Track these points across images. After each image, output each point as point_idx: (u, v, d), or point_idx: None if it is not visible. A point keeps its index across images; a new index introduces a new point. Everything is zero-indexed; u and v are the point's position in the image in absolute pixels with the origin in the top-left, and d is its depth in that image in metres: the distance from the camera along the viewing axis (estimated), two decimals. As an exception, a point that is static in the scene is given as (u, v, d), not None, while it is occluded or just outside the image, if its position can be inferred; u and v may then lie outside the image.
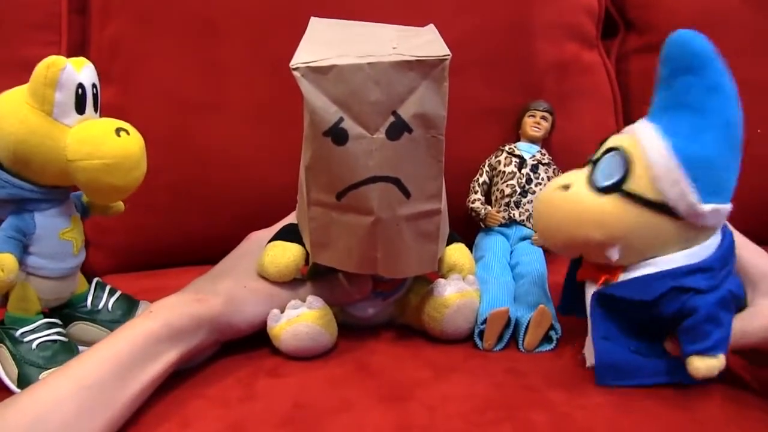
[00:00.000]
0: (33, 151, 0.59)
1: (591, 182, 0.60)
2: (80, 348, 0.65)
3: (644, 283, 0.58)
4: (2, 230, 0.61)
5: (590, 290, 0.62)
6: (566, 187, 0.61)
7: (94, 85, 0.63)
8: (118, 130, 0.61)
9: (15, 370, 0.61)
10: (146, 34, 1.00)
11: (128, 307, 0.71)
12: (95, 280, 0.71)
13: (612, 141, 0.61)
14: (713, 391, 0.59)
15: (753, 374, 0.63)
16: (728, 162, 0.57)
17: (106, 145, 0.60)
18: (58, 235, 0.64)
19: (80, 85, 0.60)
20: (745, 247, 0.63)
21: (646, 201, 0.57)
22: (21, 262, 0.61)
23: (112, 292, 0.71)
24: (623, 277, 0.60)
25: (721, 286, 0.57)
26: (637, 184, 0.57)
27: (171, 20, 0.99)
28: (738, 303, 0.59)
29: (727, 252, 0.60)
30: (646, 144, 0.57)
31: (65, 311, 0.68)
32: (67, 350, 0.63)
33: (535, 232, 0.69)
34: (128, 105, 0.97)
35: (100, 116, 0.64)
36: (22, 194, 0.61)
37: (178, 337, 0.61)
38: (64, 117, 0.60)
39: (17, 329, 0.62)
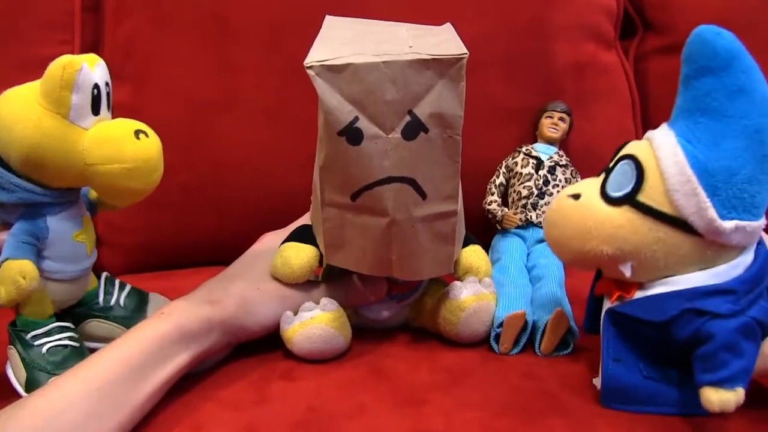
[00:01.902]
0: (49, 155, 0.58)
1: (603, 192, 0.57)
2: (94, 345, 0.65)
3: (657, 303, 0.55)
4: (14, 236, 0.60)
5: (605, 307, 0.59)
6: (577, 197, 0.58)
7: (107, 84, 0.61)
8: (137, 133, 0.59)
9: (24, 374, 0.60)
10: (160, 33, 0.99)
11: (139, 300, 0.71)
12: (104, 275, 0.70)
13: (627, 148, 0.57)
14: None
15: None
16: (755, 174, 0.52)
17: (126, 148, 0.59)
18: (71, 237, 0.63)
19: (95, 86, 0.59)
20: None
21: (660, 214, 0.53)
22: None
23: (122, 287, 0.71)
24: (639, 294, 0.56)
25: (744, 311, 0.52)
26: (649, 195, 0.54)
27: (185, 19, 0.99)
28: (765, 331, 0.54)
29: (757, 274, 0.54)
30: (661, 152, 0.54)
31: (77, 310, 0.68)
32: (77, 355, 0.62)
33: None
34: (142, 104, 0.97)
35: (112, 116, 0.63)
36: (34, 198, 0.60)
37: (189, 339, 0.61)
38: (80, 119, 0.58)
39: (29, 332, 0.61)
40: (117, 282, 0.71)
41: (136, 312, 0.70)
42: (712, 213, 0.52)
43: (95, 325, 0.68)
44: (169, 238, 1.00)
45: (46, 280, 0.62)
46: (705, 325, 0.52)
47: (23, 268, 0.58)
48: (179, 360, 0.60)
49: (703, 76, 0.52)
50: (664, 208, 0.53)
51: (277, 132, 0.98)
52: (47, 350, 0.61)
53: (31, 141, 0.57)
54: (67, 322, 0.65)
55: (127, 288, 0.71)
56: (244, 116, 0.98)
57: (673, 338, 0.54)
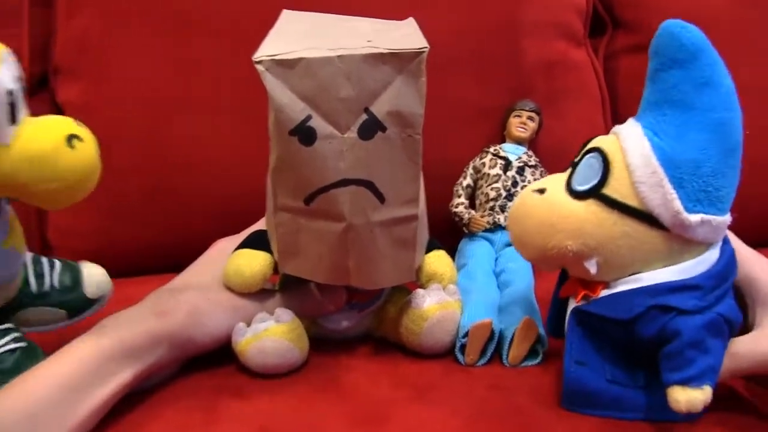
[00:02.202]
0: None
1: (569, 186, 0.57)
2: (36, 330, 0.62)
3: (623, 300, 0.54)
4: None
5: (571, 305, 0.58)
6: (542, 191, 0.58)
7: (19, 79, 0.54)
8: (70, 139, 0.53)
9: None
10: (116, 27, 0.96)
11: (73, 275, 0.66)
12: (29, 257, 0.65)
13: (593, 142, 0.57)
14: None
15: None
16: (721, 167, 0.53)
17: (62, 162, 0.52)
18: (0, 247, 0.58)
19: (9, 92, 0.51)
20: (755, 263, 0.58)
21: (626, 207, 0.53)
22: None
23: (51, 265, 0.66)
24: (604, 293, 0.56)
25: (711, 308, 0.52)
26: (615, 188, 0.54)
27: (142, 12, 0.96)
28: (732, 329, 0.54)
29: (723, 270, 0.55)
30: (627, 144, 0.54)
31: (11, 305, 0.63)
32: (29, 355, 0.58)
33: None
34: (97, 103, 0.95)
35: (60, 113, 0.57)
36: None
37: (132, 354, 0.58)
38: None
39: None
40: (45, 261, 0.66)
41: (72, 290, 0.65)
42: (678, 205, 0.52)
43: (33, 312, 0.64)
44: (123, 243, 0.97)
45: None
46: (671, 322, 0.52)
47: None
48: (121, 378, 0.56)
49: (670, 68, 0.53)
50: (630, 201, 0.53)
51: (240, 132, 0.95)
52: None
53: None
54: (3, 319, 0.61)
55: (57, 265, 0.66)
56: (206, 115, 0.96)
57: (639, 337, 0.53)
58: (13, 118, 0.52)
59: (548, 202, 0.56)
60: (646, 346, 0.54)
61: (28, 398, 0.51)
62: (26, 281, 0.64)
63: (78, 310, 0.65)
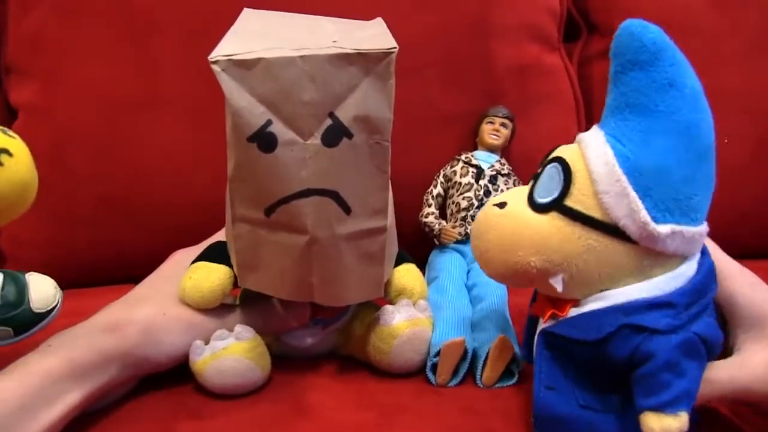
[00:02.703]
0: None
1: (530, 199, 0.54)
2: None
3: (591, 320, 0.52)
4: None
5: (539, 327, 0.56)
6: (502, 205, 0.55)
7: None
8: None
9: None
10: (72, 25, 0.94)
11: (18, 289, 0.61)
12: None
13: (555, 152, 0.55)
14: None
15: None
16: (691, 173, 0.50)
17: None
18: None
19: None
20: (736, 278, 0.56)
21: (590, 219, 0.51)
22: None
23: None
24: (573, 312, 0.53)
25: (686, 326, 0.50)
26: (578, 200, 0.51)
27: (99, 9, 0.94)
28: (711, 350, 0.52)
29: (699, 285, 0.52)
30: (589, 153, 0.52)
31: None
32: None
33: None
34: (52, 105, 0.93)
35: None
36: None
37: (82, 374, 0.55)
38: None
39: None
40: None
41: (17, 305, 0.61)
42: (645, 215, 0.49)
43: None
44: (80, 253, 0.94)
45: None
46: (643, 343, 0.49)
47: None
48: (69, 399, 0.54)
49: (630, 70, 0.51)
50: (594, 212, 0.51)
51: (202, 135, 0.93)
52: None
53: None
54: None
55: (0, 277, 0.62)
56: (166, 118, 0.94)
57: (611, 359, 0.51)
58: None
59: (510, 216, 0.54)
60: (618, 369, 0.51)
61: None
62: None
63: (24, 326, 0.61)
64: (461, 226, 0.86)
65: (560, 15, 1.09)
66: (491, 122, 0.92)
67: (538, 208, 0.53)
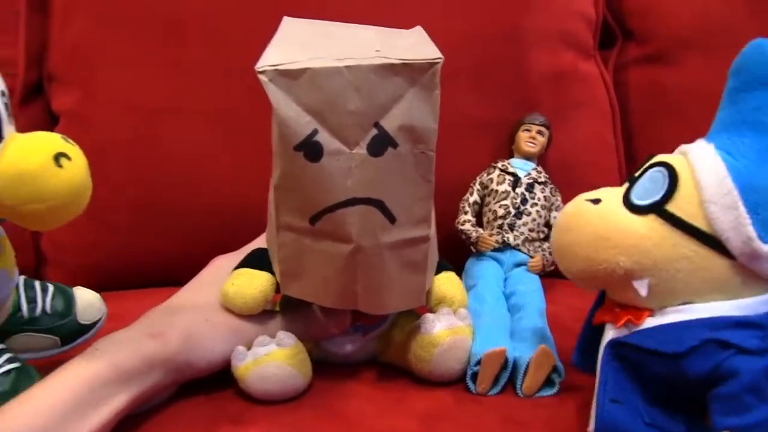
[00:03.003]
0: None
1: (626, 200, 0.53)
2: (25, 357, 0.59)
3: (673, 332, 0.50)
4: None
5: (607, 337, 0.54)
6: (596, 201, 0.54)
7: (3, 94, 0.52)
8: (57, 158, 0.50)
9: None
10: (110, 36, 0.96)
11: (66, 300, 0.64)
12: (21, 280, 0.63)
13: (657, 157, 0.54)
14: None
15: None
16: None
17: (49, 183, 0.50)
18: None
19: None
20: None
21: (691, 228, 0.50)
22: None
23: (44, 289, 0.64)
24: (650, 322, 0.52)
25: None
26: (680, 206, 0.50)
27: (136, 22, 0.96)
28: None
29: None
30: (698, 163, 0.51)
31: (1, 328, 0.61)
32: (24, 375, 0.56)
33: (549, 252, 0.61)
34: (90, 112, 0.95)
35: (15, 128, 0.54)
36: None
37: (128, 379, 0.56)
38: None
39: None
40: (37, 285, 0.64)
41: (64, 316, 0.64)
42: (751, 231, 0.48)
43: (24, 338, 0.62)
44: (118, 257, 0.96)
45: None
46: (728, 360, 0.47)
47: None
48: (116, 403, 0.54)
49: (754, 89, 0.50)
50: (697, 221, 0.50)
51: (235, 142, 0.94)
52: None
53: None
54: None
55: (50, 290, 0.64)
56: (200, 125, 0.95)
57: (688, 375, 0.49)
58: None
59: (604, 213, 0.53)
60: (691, 387, 0.50)
61: (17, 427, 0.49)
62: (17, 306, 0.62)
63: (70, 337, 0.64)
64: (498, 233, 0.86)
65: (596, 22, 1.09)
66: (528, 130, 0.92)
67: (636, 209, 0.52)
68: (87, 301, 0.66)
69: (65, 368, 0.54)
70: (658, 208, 0.51)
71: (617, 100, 1.09)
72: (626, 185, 0.54)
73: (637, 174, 0.54)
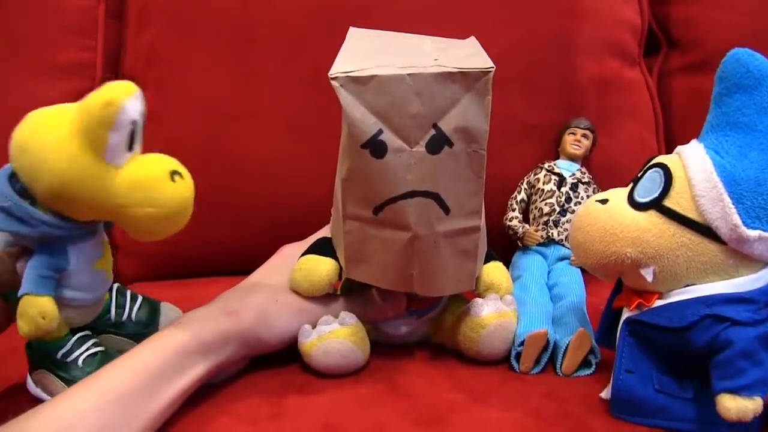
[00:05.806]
0: (80, 193, 0.54)
1: (630, 198, 0.59)
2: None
3: (676, 310, 0.55)
4: (34, 269, 0.57)
5: (624, 317, 0.60)
6: (604, 201, 0.59)
7: (142, 114, 0.56)
8: (172, 175, 0.56)
9: None
10: (183, 40, 1.00)
11: (151, 312, 0.69)
12: (115, 287, 0.68)
13: (655, 159, 0.60)
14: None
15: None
16: None
17: (162, 192, 0.55)
18: (91, 268, 0.61)
19: (133, 122, 0.54)
20: None
21: (685, 219, 0.55)
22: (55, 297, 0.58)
23: (133, 299, 0.69)
24: (658, 303, 0.57)
25: (765, 322, 0.53)
26: (675, 201, 0.56)
27: (208, 27, 0.99)
28: None
29: None
30: (689, 161, 0.56)
31: (88, 326, 0.65)
32: (109, 358, 0.60)
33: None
34: (163, 112, 0.97)
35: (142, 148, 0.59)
36: (56, 233, 0.57)
37: (206, 350, 0.60)
38: (115, 159, 0.54)
39: (55, 353, 0.60)
40: (128, 294, 0.69)
41: (147, 326, 0.68)
42: (737, 219, 0.53)
43: (106, 339, 0.66)
44: (187, 246, 0.99)
45: (64, 307, 0.59)
46: (723, 332, 0.52)
47: (43, 308, 0.56)
48: (196, 371, 0.59)
49: (735, 93, 0.56)
50: (690, 213, 0.55)
51: (298, 142, 0.97)
52: (83, 362, 0.60)
53: (64, 178, 0.53)
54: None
55: (139, 300, 0.69)
56: (266, 126, 0.98)
57: (691, 346, 0.54)
58: (130, 146, 0.55)
59: (611, 211, 0.58)
60: (696, 356, 0.54)
61: (109, 387, 0.53)
62: (108, 309, 0.67)
63: None
64: (543, 229, 0.88)
65: (641, 30, 1.10)
66: (573, 133, 0.94)
67: (638, 206, 0.57)
68: (169, 315, 0.70)
69: (154, 338, 0.59)
70: (656, 204, 0.56)
71: (660, 107, 1.10)
72: (630, 185, 0.59)
73: (639, 175, 0.59)
